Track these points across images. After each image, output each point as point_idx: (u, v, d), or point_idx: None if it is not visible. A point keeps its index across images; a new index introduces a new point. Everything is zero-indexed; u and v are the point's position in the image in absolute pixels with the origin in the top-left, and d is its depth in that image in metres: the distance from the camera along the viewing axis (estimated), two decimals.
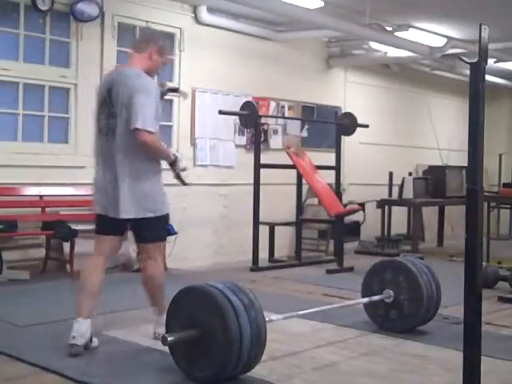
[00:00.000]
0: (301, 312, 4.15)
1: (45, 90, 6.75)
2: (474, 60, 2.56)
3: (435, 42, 8.95)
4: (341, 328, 4.61)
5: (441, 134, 11.30)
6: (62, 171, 6.77)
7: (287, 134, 9.11)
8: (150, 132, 3.84)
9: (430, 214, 10.67)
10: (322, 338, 4.35)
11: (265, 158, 7.80)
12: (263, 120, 8.23)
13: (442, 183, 9.49)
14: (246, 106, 7.56)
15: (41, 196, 6.61)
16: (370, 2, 7.48)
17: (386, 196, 9.41)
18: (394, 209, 9.54)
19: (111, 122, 3.93)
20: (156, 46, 4.11)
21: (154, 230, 4.05)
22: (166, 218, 4.20)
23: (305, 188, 8.34)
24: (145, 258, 4.14)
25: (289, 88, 9.03)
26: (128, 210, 3.92)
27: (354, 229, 9.37)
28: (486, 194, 7.65)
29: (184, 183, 4.32)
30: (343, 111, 9.07)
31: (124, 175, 3.90)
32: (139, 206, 3.94)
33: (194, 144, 7.99)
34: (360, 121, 8.27)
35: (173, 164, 4.20)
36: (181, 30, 7.80)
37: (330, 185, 8.04)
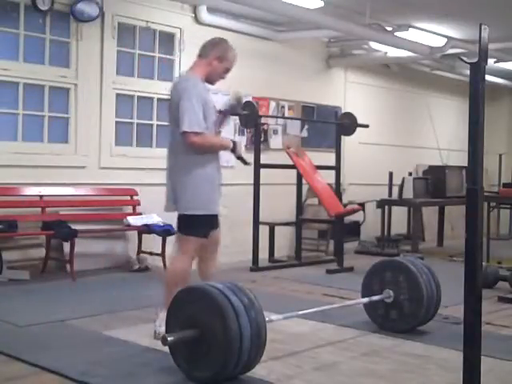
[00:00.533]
0: (301, 312, 4.15)
1: (45, 90, 6.75)
2: (474, 60, 2.56)
3: (435, 42, 8.95)
4: (341, 328, 4.61)
5: (441, 134, 11.30)
6: (61, 171, 6.77)
7: (287, 133, 9.11)
8: (197, 133, 4.00)
9: (430, 214, 10.67)
10: (321, 338, 4.35)
11: (265, 158, 7.80)
12: (263, 120, 8.23)
13: (442, 183, 9.48)
14: (246, 105, 7.56)
15: (41, 196, 6.61)
16: (370, 2, 7.48)
17: (386, 196, 9.41)
18: (394, 209, 9.54)
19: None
20: (217, 53, 4.21)
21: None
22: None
23: (305, 188, 8.34)
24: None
25: (289, 88, 9.03)
26: None
27: (354, 229, 9.37)
28: (486, 194, 7.65)
29: (246, 163, 4.56)
30: (343, 111, 9.07)
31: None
32: None
33: None
34: (360, 121, 8.27)
35: (233, 150, 4.32)
36: (181, 30, 7.80)
37: (330, 185, 8.04)
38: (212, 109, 4.25)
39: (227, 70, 4.34)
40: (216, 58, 4.21)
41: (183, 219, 4.18)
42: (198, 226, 4.16)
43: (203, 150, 4.11)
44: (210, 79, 4.28)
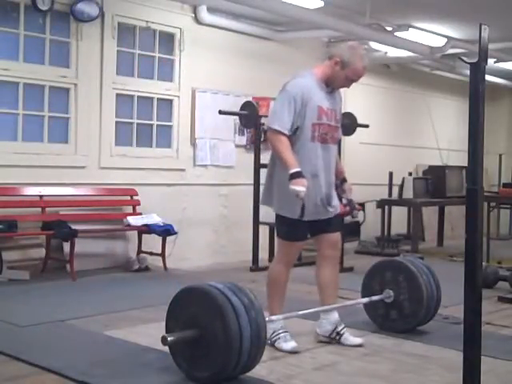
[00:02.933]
0: (301, 312, 4.14)
1: (45, 90, 6.74)
2: (474, 60, 2.56)
3: (435, 42, 8.95)
4: None
5: (441, 134, 11.30)
6: (61, 171, 6.77)
7: None
8: (274, 130, 3.91)
9: (430, 214, 10.67)
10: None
11: (265, 158, 7.78)
12: (263, 120, 8.23)
13: (442, 183, 9.48)
14: (246, 106, 7.56)
15: (41, 196, 6.60)
16: (370, 2, 7.48)
17: (386, 196, 9.40)
18: (394, 209, 9.54)
19: None
20: (341, 57, 3.94)
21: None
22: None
23: None
24: None
25: None
26: None
27: (354, 229, 9.35)
28: (486, 194, 7.65)
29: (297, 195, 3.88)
30: (343, 111, 9.05)
31: None
32: None
33: (193, 144, 7.98)
34: (360, 121, 8.26)
35: (292, 176, 3.83)
36: (181, 29, 7.79)
37: None
38: (314, 109, 3.97)
39: (350, 80, 4.03)
40: (337, 63, 3.94)
41: (275, 218, 4.17)
42: (282, 228, 4.09)
43: (273, 150, 4.07)
44: (331, 83, 4.03)
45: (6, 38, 6.50)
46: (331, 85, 4.06)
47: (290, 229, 4.06)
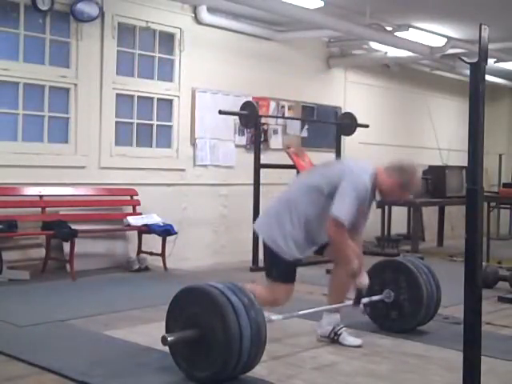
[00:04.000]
0: (301, 312, 4.14)
1: (45, 90, 6.74)
2: (474, 60, 2.56)
3: (435, 42, 8.94)
4: None
5: (441, 134, 11.30)
6: (61, 171, 6.77)
7: (287, 133, 9.11)
8: (342, 221, 3.84)
9: (430, 214, 10.67)
10: None
11: (265, 158, 7.80)
12: (263, 120, 8.24)
13: (442, 183, 9.48)
14: (246, 105, 7.57)
15: (41, 196, 6.60)
16: (369, 2, 7.48)
17: None
18: (394, 209, 9.54)
19: None
20: (401, 180, 4.04)
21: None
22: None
23: None
24: None
25: (289, 88, 9.03)
26: None
27: None
28: (485, 194, 7.65)
29: (356, 303, 4.21)
30: (343, 111, 9.07)
31: None
32: None
33: (194, 144, 7.99)
34: (360, 121, 8.27)
35: (353, 275, 4.05)
36: (181, 29, 7.79)
37: None
38: (362, 208, 4.05)
39: (401, 198, 4.30)
40: (397, 184, 4.05)
41: (268, 257, 4.12)
42: (278, 269, 4.07)
43: (335, 240, 3.97)
44: (382, 194, 4.15)
45: (6, 37, 6.51)
46: (382, 194, 4.15)
47: (286, 270, 4.03)
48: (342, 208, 3.84)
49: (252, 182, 7.49)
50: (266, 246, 4.05)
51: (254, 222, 4.37)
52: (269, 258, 4.06)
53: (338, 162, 4.24)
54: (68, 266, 6.46)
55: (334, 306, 4.25)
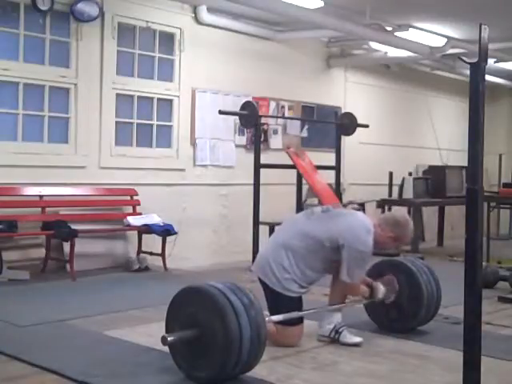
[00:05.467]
0: (301, 312, 4.14)
1: (45, 89, 6.74)
2: (474, 60, 2.55)
3: (435, 42, 8.95)
4: None
5: (441, 134, 11.30)
6: (61, 171, 6.77)
7: (287, 133, 9.11)
8: (356, 283, 4.18)
9: (430, 214, 10.67)
10: None
11: (265, 158, 7.80)
12: (263, 120, 8.23)
13: (442, 183, 9.48)
14: (246, 105, 7.55)
15: (41, 196, 6.60)
16: (370, 2, 7.48)
17: (386, 196, 9.40)
18: (394, 209, 9.52)
19: None
20: (394, 234, 4.17)
21: None
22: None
23: (305, 188, 8.34)
24: None
25: (289, 88, 9.03)
26: None
27: None
28: (485, 194, 7.65)
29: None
30: (343, 111, 9.06)
31: None
32: None
33: (194, 144, 7.99)
34: (360, 121, 8.27)
35: (372, 296, 4.39)
36: (181, 29, 7.80)
37: (330, 185, 8.03)
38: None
39: (392, 246, 4.44)
40: (391, 238, 4.20)
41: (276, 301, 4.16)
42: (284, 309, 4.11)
43: (355, 294, 4.40)
44: (378, 246, 4.22)
45: (6, 38, 6.50)
46: (376, 246, 4.19)
47: (291, 307, 4.04)
48: (355, 274, 4.07)
49: (252, 181, 7.49)
50: (267, 288, 4.09)
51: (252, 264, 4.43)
52: (272, 300, 4.10)
53: (338, 213, 4.24)
54: (68, 266, 6.46)
55: (335, 306, 4.26)
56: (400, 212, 4.46)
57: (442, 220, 10.45)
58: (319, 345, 4.19)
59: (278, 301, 4.02)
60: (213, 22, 8.03)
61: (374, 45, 9.18)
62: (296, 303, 4.08)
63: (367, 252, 4.06)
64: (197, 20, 7.94)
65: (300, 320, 4.11)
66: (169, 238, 7.12)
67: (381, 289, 4.37)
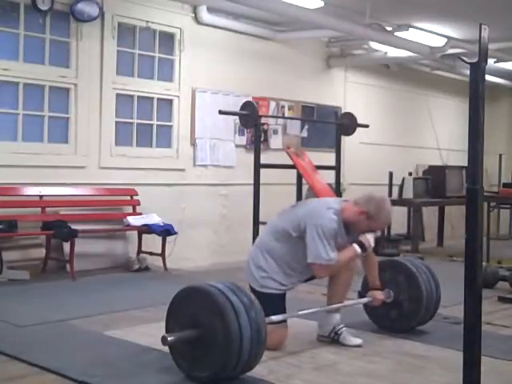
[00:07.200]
0: (301, 312, 4.14)
1: (45, 89, 6.74)
2: (474, 60, 2.55)
3: (435, 42, 8.95)
4: None
5: (441, 134, 11.30)
6: (61, 171, 6.77)
7: (287, 133, 9.11)
8: (321, 264, 3.98)
9: (430, 214, 10.67)
10: None
11: (265, 158, 7.79)
12: (263, 120, 8.22)
13: (442, 183, 9.48)
14: (246, 105, 7.54)
15: (41, 196, 6.61)
16: (370, 2, 7.48)
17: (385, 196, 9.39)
18: (394, 209, 9.46)
19: None
20: (368, 209, 4.04)
21: None
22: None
23: (305, 188, 8.34)
24: None
25: (289, 88, 9.03)
26: None
27: None
28: (485, 194, 7.65)
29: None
30: (343, 111, 9.06)
31: None
32: None
33: (194, 144, 7.99)
34: (360, 121, 8.26)
35: (363, 249, 4.14)
36: (181, 29, 7.80)
37: (330, 185, 8.02)
38: (340, 242, 4.09)
39: (371, 230, 4.17)
40: (363, 213, 4.04)
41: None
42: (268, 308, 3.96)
43: (331, 274, 4.21)
44: (352, 228, 4.11)
45: (6, 37, 6.51)
46: (351, 228, 4.12)
47: (276, 305, 4.03)
48: (317, 252, 3.93)
49: (252, 181, 7.48)
50: (252, 290, 4.01)
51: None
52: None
53: (304, 203, 4.26)
54: (68, 266, 6.46)
55: (334, 306, 4.26)
56: (379, 193, 4.34)
57: (442, 220, 10.45)
58: (319, 345, 4.19)
59: (260, 301, 3.97)
60: (213, 22, 8.03)
61: (373, 45, 9.17)
62: (276, 301, 4.03)
63: (326, 225, 3.93)
64: (197, 20, 7.94)
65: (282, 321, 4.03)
66: (169, 238, 7.12)
67: (366, 237, 4.12)
